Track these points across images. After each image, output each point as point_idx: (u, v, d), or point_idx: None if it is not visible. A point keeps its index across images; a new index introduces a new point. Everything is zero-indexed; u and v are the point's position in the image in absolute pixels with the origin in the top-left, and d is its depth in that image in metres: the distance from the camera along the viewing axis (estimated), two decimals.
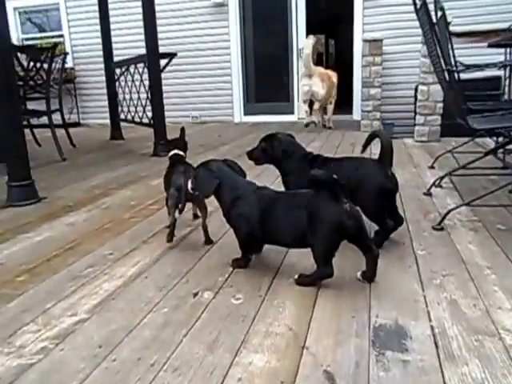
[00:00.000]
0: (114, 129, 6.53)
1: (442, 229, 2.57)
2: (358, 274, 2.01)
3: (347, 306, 1.80)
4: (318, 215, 1.88)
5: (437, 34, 2.63)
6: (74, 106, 9.09)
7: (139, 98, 5.70)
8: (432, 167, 4.10)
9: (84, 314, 1.82)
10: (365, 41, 6.35)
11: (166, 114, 5.27)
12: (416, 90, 5.91)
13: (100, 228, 2.80)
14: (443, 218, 2.62)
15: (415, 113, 5.86)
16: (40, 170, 4.53)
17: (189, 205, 2.59)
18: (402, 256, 2.26)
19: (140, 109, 5.72)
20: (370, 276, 1.99)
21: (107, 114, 6.66)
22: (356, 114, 7.82)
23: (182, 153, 2.69)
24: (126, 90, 6.16)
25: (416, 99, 5.72)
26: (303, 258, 2.15)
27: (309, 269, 2.02)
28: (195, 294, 1.95)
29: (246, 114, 8.41)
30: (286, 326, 1.69)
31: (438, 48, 2.63)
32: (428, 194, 3.26)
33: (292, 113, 8.42)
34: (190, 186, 2.23)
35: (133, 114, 5.90)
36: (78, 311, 1.84)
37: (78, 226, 2.86)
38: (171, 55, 5.65)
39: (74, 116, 9.10)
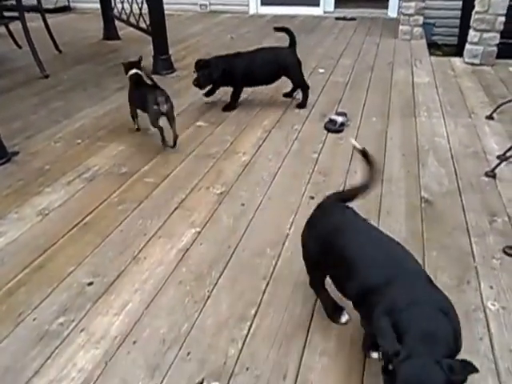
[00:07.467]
0: (108, 25, 5.54)
1: None
2: None
3: None
4: None
5: None
6: None
7: None
8: (491, 117, 3.36)
9: None
10: None
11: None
12: None
13: (79, 224, 2.22)
14: None
15: (462, 12, 4.88)
16: (15, 94, 3.80)
17: None
18: (467, 312, 1.72)
19: (136, 8, 4.72)
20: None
21: None
22: (392, 11, 6.71)
23: (140, 72, 2.96)
24: None
25: None
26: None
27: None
28: None
29: (263, 3, 7.24)
30: None
31: None
32: (491, 175, 2.61)
33: (317, 5, 7.20)
34: (165, 107, 2.74)
35: (128, 11, 4.91)
36: None
37: (52, 218, 2.27)
38: None
39: None
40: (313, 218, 1.67)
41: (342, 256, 1.47)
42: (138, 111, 3.04)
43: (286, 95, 3.74)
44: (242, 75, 3.39)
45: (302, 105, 3.58)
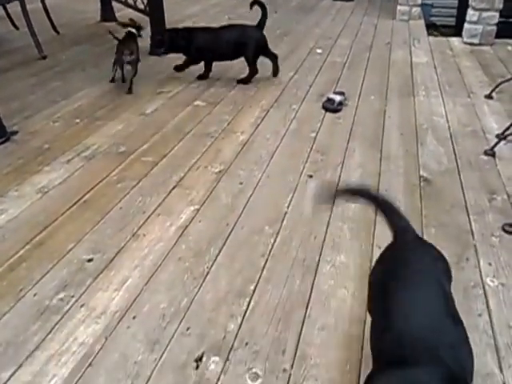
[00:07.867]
0: (105, 7, 5.45)
1: None
2: None
3: None
4: None
5: None
6: None
7: None
8: (490, 96, 3.35)
9: None
10: None
11: None
12: None
13: (79, 201, 2.22)
14: None
15: None
16: (13, 74, 3.77)
17: None
18: (466, 288, 1.73)
19: None
20: None
21: None
22: None
23: (134, 31, 3.55)
24: None
25: None
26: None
27: None
28: (198, 360, 1.47)
29: None
30: None
31: None
32: (491, 153, 2.61)
33: None
34: (128, 58, 3.38)
35: None
36: None
37: (52, 196, 2.27)
38: None
39: None
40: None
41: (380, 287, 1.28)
42: None
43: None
44: (199, 47, 3.51)
45: (244, 80, 3.62)
